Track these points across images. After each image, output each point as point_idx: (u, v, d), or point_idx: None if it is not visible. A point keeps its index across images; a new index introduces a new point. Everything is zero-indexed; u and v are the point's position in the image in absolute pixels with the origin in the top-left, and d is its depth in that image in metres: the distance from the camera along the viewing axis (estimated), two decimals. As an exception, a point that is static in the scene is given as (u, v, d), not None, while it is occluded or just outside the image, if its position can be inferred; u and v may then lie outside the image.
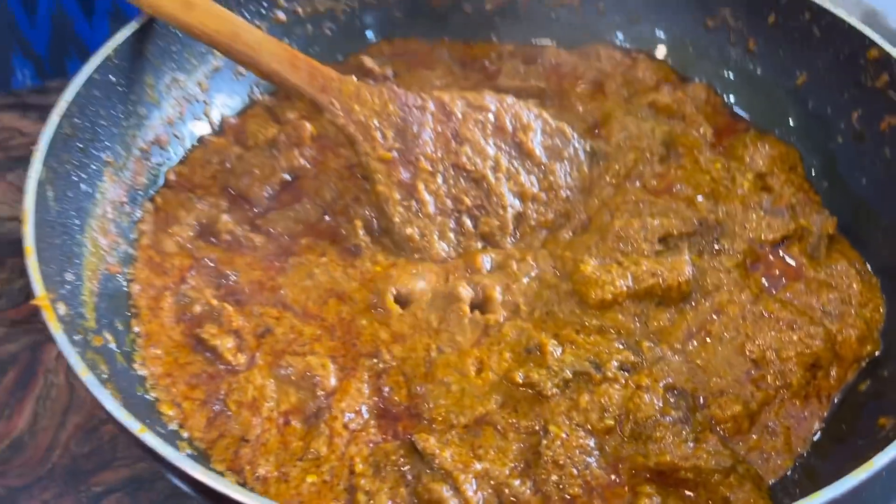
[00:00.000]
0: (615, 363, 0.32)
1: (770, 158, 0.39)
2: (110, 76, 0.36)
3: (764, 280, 0.35)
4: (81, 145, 0.34)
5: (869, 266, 0.35)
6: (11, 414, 0.41)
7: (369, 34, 0.46)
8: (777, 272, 0.35)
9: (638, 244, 0.35)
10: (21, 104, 0.63)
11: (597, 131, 0.42)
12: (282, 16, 0.44)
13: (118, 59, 0.36)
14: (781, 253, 0.36)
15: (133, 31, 0.37)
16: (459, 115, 0.37)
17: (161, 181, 0.39)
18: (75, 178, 0.34)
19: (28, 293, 0.48)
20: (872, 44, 0.36)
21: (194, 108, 0.41)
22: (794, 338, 0.33)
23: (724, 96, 0.43)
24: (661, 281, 0.33)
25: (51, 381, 0.42)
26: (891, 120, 0.36)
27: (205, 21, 0.36)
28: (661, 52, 0.45)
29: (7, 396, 0.42)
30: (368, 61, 0.41)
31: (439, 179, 0.37)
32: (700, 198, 0.38)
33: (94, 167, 0.35)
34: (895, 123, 0.35)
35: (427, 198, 0.36)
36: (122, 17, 0.64)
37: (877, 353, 0.34)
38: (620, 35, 0.46)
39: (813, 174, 0.39)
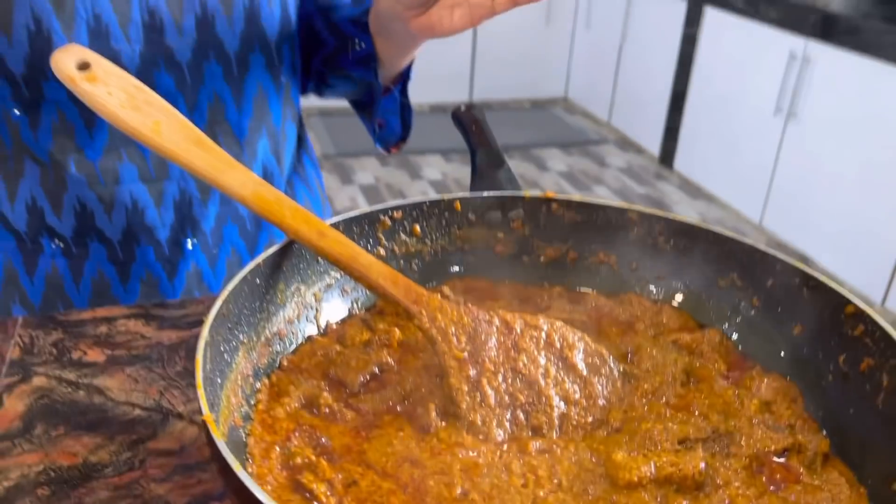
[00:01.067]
0: (640, 537, 0.38)
1: (773, 390, 0.47)
2: (256, 279, 0.47)
3: (766, 481, 0.41)
4: (230, 325, 0.44)
5: (857, 477, 0.41)
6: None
7: (449, 271, 0.57)
8: (779, 476, 0.41)
9: (661, 443, 0.42)
10: (145, 314, 0.74)
11: (629, 358, 0.50)
12: (382, 252, 0.56)
13: (265, 266, 0.48)
14: (783, 461, 0.42)
15: (279, 247, 0.49)
16: (518, 330, 0.47)
17: (277, 364, 0.49)
18: (221, 349, 0.43)
19: (131, 464, 0.56)
20: (849, 301, 0.45)
21: (308, 313, 0.52)
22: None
23: (735, 340, 0.52)
24: (678, 470, 0.39)
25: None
26: (869, 361, 0.44)
27: (333, 246, 0.48)
28: (682, 302, 0.55)
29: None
30: (446, 290, 0.51)
31: (500, 378, 0.45)
32: (713, 415, 0.45)
33: (234, 343, 0.45)
34: (872, 364, 0.44)
35: (489, 392, 0.45)
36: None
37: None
38: (650, 287, 0.56)
39: (811, 405, 0.46)
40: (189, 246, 0.81)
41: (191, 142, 0.50)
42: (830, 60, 2.62)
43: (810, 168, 2.77)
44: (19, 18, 0.63)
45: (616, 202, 0.57)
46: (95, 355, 0.67)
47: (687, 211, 3.17)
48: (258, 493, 0.30)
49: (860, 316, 0.45)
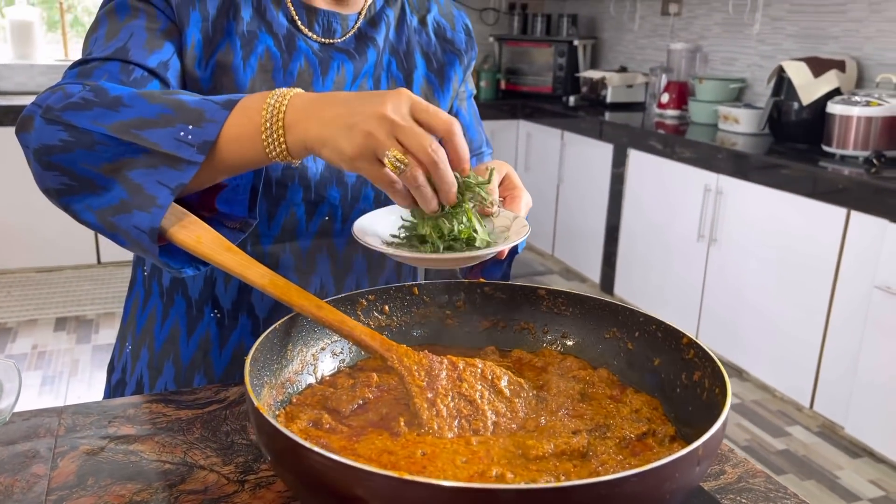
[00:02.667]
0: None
1: (641, 401, 0.67)
2: (274, 339, 0.67)
3: (629, 452, 0.61)
4: (259, 366, 0.64)
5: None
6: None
7: (411, 338, 0.77)
8: (638, 449, 0.61)
9: (559, 434, 0.62)
10: (163, 399, 0.91)
11: (542, 386, 0.71)
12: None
13: (280, 328, 0.67)
14: (642, 441, 0.62)
15: (287, 318, 0.69)
16: (461, 367, 0.66)
17: (289, 401, 0.67)
18: (254, 383, 0.62)
19: (168, 501, 0.73)
20: (684, 335, 0.67)
21: (308, 368, 0.71)
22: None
23: (617, 374, 0.73)
24: (568, 446, 0.58)
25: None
26: (698, 374, 0.65)
27: (327, 315, 0.68)
28: (580, 351, 0.76)
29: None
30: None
31: (449, 399, 0.65)
32: (598, 417, 0.65)
33: (261, 381, 0.64)
34: (701, 374, 0.65)
35: (442, 407, 0.64)
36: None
37: None
38: (557, 342, 0.77)
39: (667, 409, 0.67)
40: None
41: (223, 248, 0.71)
42: (740, 191, 2.98)
43: (734, 287, 3.06)
44: None
45: (528, 284, 0.79)
46: (128, 430, 0.84)
47: (629, 331, 3.40)
48: (288, 432, 0.49)
49: (691, 343, 0.67)
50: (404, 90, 0.62)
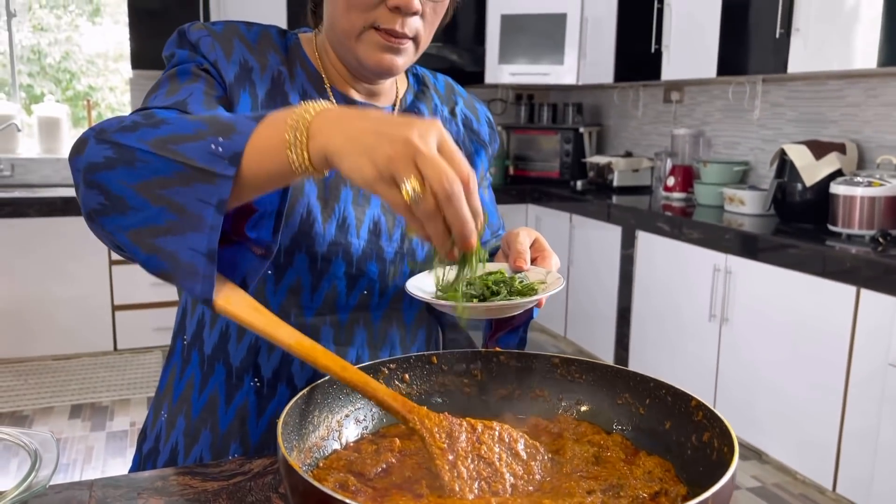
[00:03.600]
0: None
1: (653, 464, 0.69)
2: (303, 404, 0.70)
3: (644, 509, 0.63)
4: (289, 430, 0.67)
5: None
6: None
7: (430, 406, 0.80)
8: (653, 508, 0.63)
9: (574, 494, 0.64)
10: (190, 472, 0.94)
11: (557, 450, 0.73)
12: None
13: (307, 395, 0.71)
14: (654, 500, 0.64)
15: (311, 387, 0.72)
16: (480, 430, 0.70)
17: (316, 465, 0.70)
18: (285, 446, 0.65)
19: None
20: (692, 398, 0.70)
21: (333, 434, 0.74)
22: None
23: (630, 438, 0.75)
24: (586, 505, 0.61)
25: None
26: (707, 434, 0.68)
27: (352, 376, 0.71)
28: (594, 417, 0.79)
29: None
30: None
31: (469, 461, 0.67)
32: (612, 479, 0.68)
33: (290, 445, 0.67)
34: (710, 435, 0.67)
35: (462, 469, 0.67)
36: None
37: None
38: (572, 409, 0.80)
39: (679, 470, 0.69)
40: None
41: (252, 308, 0.75)
42: (749, 271, 3.02)
43: (748, 366, 3.06)
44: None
45: (543, 353, 0.83)
46: (156, 501, 0.86)
47: (644, 413, 3.38)
48: (321, 487, 0.52)
49: (699, 406, 0.70)
50: (437, 122, 0.62)
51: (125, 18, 4.22)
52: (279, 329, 0.72)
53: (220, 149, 0.66)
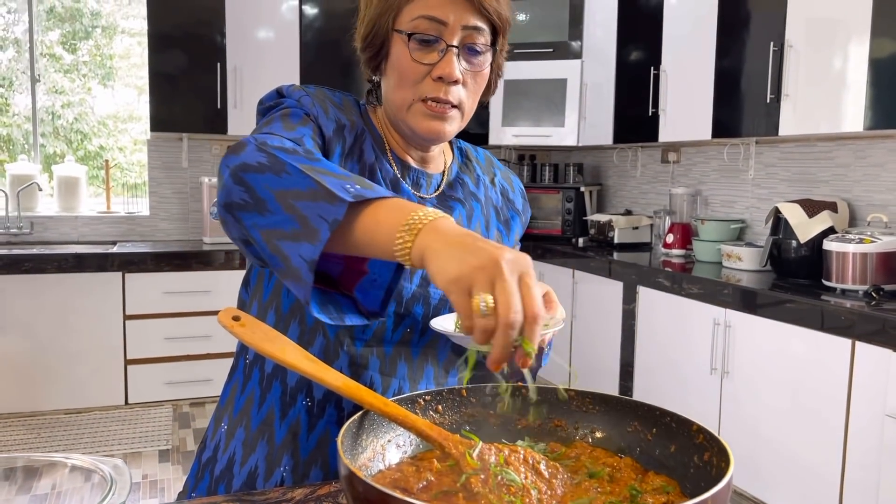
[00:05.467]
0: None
1: (661, 481, 0.79)
2: (354, 428, 0.80)
3: (654, 515, 0.72)
4: (345, 448, 0.77)
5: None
6: None
7: (462, 431, 0.90)
8: (661, 515, 0.73)
9: (595, 502, 0.74)
10: (239, 499, 1.03)
11: (576, 471, 0.83)
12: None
13: (357, 420, 0.81)
14: (664, 508, 0.74)
15: (361, 414, 0.83)
16: (506, 452, 0.79)
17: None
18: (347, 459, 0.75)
19: None
20: (693, 423, 0.80)
21: (378, 457, 0.84)
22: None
23: (640, 461, 0.85)
24: (602, 511, 0.71)
25: None
26: (707, 454, 0.78)
27: (392, 410, 0.81)
28: (607, 443, 0.89)
29: None
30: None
31: (499, 478, 0.77)
32: (624, 493, 0.77)
33: (345, 464, 0.77)
34: (710, 454, 0.77)
35: (493, 486, 0.77)
36: None
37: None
38: (588, 437, 0.90)
39: (684, 486, 0.79)
40: None
41: (303, 357, 0.86)
42: (748, 325, 3.12)
43: (750, 419, 3.13)
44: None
45: (559, 386, 0.93)
46: (208, 524, 0.95)
47: (649, 466, 3.43)
48: (380, 486, 0.62)
49: (700, 430, 0.80)
50: (528, 257, 0.68)
51: (136, 82, 4.41)
52: (328, 374, 0.83)
53: (352, 188, 0.76)
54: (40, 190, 4.60)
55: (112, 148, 6.02)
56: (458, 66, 1.03)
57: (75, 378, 4.07)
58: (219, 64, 4.40)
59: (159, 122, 4.37)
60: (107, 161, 4.97)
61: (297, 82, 4.44)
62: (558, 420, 0.93)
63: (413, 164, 1.14)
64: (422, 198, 1.13)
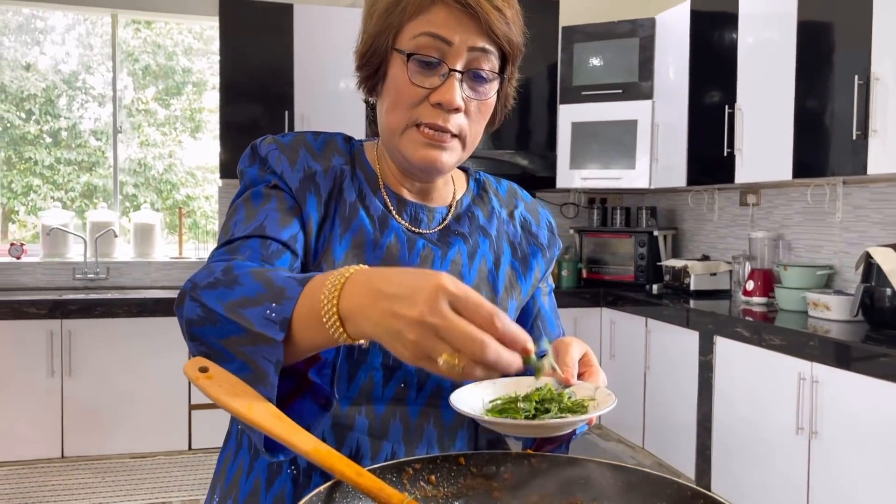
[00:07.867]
0: None
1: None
2: (318, 502, 0.69)
3: None
4: (300, 529, 0.65)
5: None
6: None
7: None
8: None
9: None
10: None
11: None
12: (406, 496, 0.77)
13: (320, 497, 0.69)
14: None
15: (330, 483, 0.71)
16: None
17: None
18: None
19: None
20: (690, 487, 0.65)
21: (351, 536, 0.72)
22: None
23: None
24: None
25: None
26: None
27: (366, 482, 0.69)
28: None
29: None
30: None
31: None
32: None
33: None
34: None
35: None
36: None
37: None
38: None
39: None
40: None
41: (272, 415, 0.75)
42: (838, 380, 2.84)
43: (843, 486, 2.83)
44: None
45: (577, 456, 0.79)
46: None
47: (729, 534, 3.14)
48: None
49: (699, 493, 0.64)
50: (444, 277, 0.63)
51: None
52: (296, 435, 0.72)
53: (273, 314, 0.73)
54: (116, 236, 4.74)
55: (199, 197, 6.21)
56: (459, 93, 0.92)
57: (141, 422, 4.10)
58: (286, 112, 4.46)
59: (229, 170, 4.45)
60: (180, 208, 5.10)
61: (363, 128, 4.46)
62: (574, 496, 0.79)
63: (410, 197, 1.04)
64: (420, 233, 1.02)
